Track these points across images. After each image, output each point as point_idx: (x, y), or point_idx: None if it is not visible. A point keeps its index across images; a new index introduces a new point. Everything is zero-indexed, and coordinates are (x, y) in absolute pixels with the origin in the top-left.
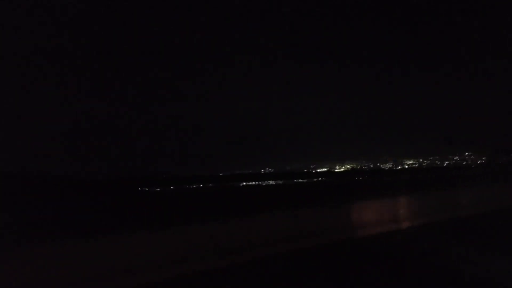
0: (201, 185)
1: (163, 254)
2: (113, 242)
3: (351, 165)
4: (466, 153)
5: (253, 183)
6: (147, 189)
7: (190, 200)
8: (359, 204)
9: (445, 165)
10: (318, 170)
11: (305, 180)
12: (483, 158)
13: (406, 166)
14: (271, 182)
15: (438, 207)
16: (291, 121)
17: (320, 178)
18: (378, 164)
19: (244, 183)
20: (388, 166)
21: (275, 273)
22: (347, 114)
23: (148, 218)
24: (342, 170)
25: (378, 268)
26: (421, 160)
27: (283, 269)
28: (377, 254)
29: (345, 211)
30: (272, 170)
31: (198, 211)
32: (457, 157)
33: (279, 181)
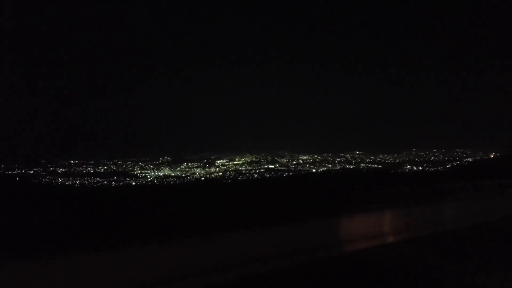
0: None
1: None
2: None
3: (251, 157)
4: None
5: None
6: None
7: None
8: (345, 219)
9: (336, 161)
10: (219, 161)
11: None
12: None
13: (301, 161)
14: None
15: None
16: (189, 111)
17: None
18: (276, 158)
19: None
20: (284, 160)
21: None
22: (248, 107)
23: None
24: (241, 161)
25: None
26: (315, 156)
27: None
28: (365, 270)
29: (328, 226)
30: (171, 158)
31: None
32: (348, 154)
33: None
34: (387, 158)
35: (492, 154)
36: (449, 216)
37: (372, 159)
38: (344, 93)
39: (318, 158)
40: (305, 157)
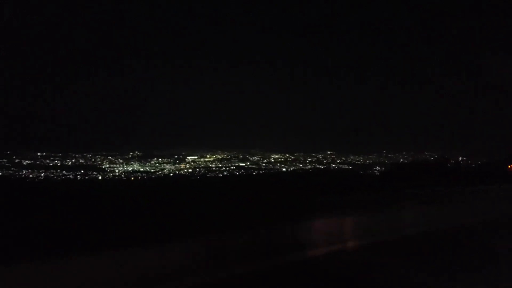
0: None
1: None
2: None
3: (222, 154)
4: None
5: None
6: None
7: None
8: (306, 224)
9: (308, 161)
10: (190, 157)
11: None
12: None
13: (272, 160)
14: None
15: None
16: (163, 107)
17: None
18: (247, 156)
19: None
20: (256, 158)
21: None
22: (222, 105)
23: None
24: (212, 158)
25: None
26: (287, 155)
27: None
28: (325, 276)
29: (288, 230)
30: (141, 153)
31: None
32: (320, 155)
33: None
34: (358, 159)
35: (460, 157)
36: (406, 222)
37: (343, 159)
38: (319, 94)
39: (289, 158)
40: (276, 156)
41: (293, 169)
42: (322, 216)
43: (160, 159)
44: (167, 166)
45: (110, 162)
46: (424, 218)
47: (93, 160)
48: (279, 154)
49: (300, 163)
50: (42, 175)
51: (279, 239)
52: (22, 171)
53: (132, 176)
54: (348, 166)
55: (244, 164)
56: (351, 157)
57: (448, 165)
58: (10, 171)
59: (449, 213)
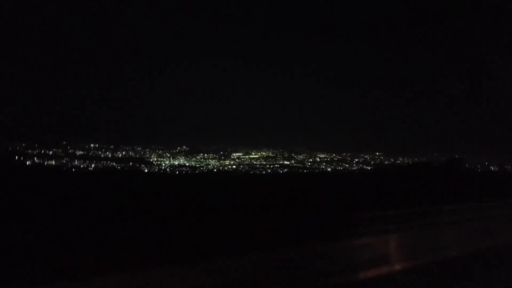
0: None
1: None
2: None
3: (268, 152)
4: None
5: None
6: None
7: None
8: (347, 243)
9: (354, 162)
10: (235, 154)
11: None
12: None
13: (318, 159)
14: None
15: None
16: (211, 102)
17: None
18: (292, 154)
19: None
20: (301, 157)
21: None
22: (269, 101)
23: None
24: (257, 156)
25: None
26: (333, 155)
27: None
28: None
29: (334, 251)
30: (188, 148)
31: None
32: (368, 155)
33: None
34: (407, 161)
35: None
36: (449, 242)
37: (391, 161)
38: (370, 92)
39: (336, 157)
40: (322, 155)
41: (338, 169)
42: (363, 233)
43: (205, 155)
44: (212, 161)
45: (158, 156)
46: (468, 237)
47: (142, 153)
48: (326, 154)
49: (346, 163)
50: (93, 166)
51: (317, 261)
52: (75, 161)
53: (177, 170)
54: (394, 168)
55: (288, 163)
56: (400, 158)
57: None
58: (63, 161)
59: (496, 229)
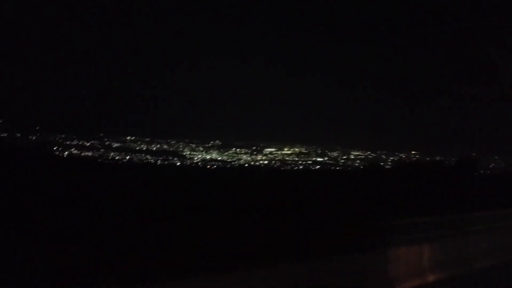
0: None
1: None
2: None
3: (301, 148)
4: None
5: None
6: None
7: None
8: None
9: (389, 160)
10: (267, 149)
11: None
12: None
13: (352, 157)
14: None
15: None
16: (246, 98)
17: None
18: (326, 151)
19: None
20: (335, 154)
21: None
22: (304, 99)
23: None
24: (290, 152)
25: None
26: (368, 152)
27: None
28: None
29: (369, 262)
30: (221, 143)
31: None
32: (403, 154)
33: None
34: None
35: None
36: (482, 251)
37: (427, 160)
38: (408, 91)
39: (370, 155)
40: (357, 153)
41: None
42: (395, 243)
43: (238, 149)
44: (244, 156)
45: (191, 150)
46: (500, 246)
47: (176, 146)
48: (360, 152)
49: (381, 162)
50: (127, 157)
51: (347, 273)
52: (110, 153)
53: (208, 164)
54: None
55: (321, 159)
56: (437, 157)
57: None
58: (99, 152)
59: None
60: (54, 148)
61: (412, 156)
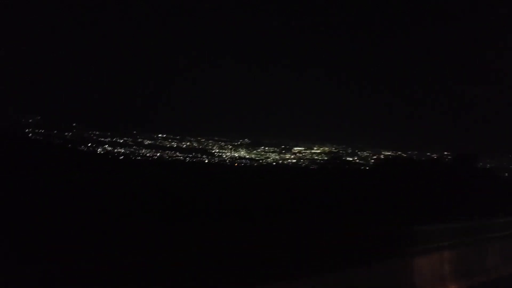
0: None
1: None
2: None
3: (331, 147)
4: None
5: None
6: None
7: None
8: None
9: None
10: (296, 148)
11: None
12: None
13: (382, 157)
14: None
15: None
16: (269, 94)
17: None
18: (356, 151)
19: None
20: (365, 154)
21: None
22: (336, 99)
23: None
24: (319, 151)
25: None
26: (398, 153)
27: None
28: None
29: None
30: (249, 141)
31: None
32: (435, 155)
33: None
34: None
35: None
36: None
37: (486, 162)
38: (440, 90)
39: (402, 155)
40: (387, 153)
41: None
42: (418, 251)
43: (266, 148)
44: (272, 155)
45: (220, 148)
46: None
47: (205, 144)
48: (391, 151)
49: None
50: (158, 154)
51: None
52: (142, 150)
53: (236, 162)
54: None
55: (351, 159)
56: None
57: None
58: (132, 149)
59: None
60: (89, 144)
61: (445, 157)
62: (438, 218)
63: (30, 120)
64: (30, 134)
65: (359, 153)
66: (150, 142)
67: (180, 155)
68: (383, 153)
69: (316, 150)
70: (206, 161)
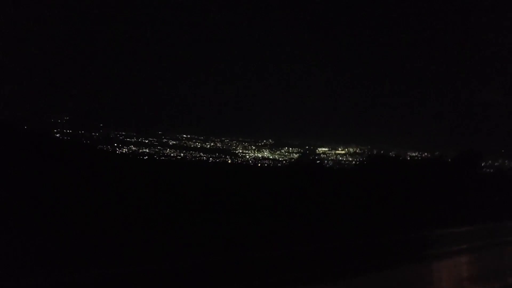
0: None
1: None
2: None
3: (356, 148)
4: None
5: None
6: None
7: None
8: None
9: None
10: (321, 149)
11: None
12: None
13: (409, 158)
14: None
15: None
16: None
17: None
18: (381, 152)
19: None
20: (391, 154)
21: None
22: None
23: None
24: (343, 152)
25: None
26: (425, 153)
27: None
28: None
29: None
30: (273, 142)
31: None
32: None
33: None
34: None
35: None
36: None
37: (489, 163)
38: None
39: (428, 156)
40: (414, 154)
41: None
42: (437, 254)
43: (290, 149)
44: (296, 156)
45: (244, 148)
46: None
47: (229, 144)
48: (417, 152)
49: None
50: (182, 155)
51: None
52: (166, 150)
53: (259, 163)
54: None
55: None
56: (505, 161)
57: None
58: (156, 149)
59: None
60: (115, 144)
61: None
62: (450, 221)
63: (59, 120)
64: (58, 135)
65: (383, 154)
66: (174, 142)
67: (203, 155)
68: (410, 154)
69: (340, 151)
70: (229, 161)
